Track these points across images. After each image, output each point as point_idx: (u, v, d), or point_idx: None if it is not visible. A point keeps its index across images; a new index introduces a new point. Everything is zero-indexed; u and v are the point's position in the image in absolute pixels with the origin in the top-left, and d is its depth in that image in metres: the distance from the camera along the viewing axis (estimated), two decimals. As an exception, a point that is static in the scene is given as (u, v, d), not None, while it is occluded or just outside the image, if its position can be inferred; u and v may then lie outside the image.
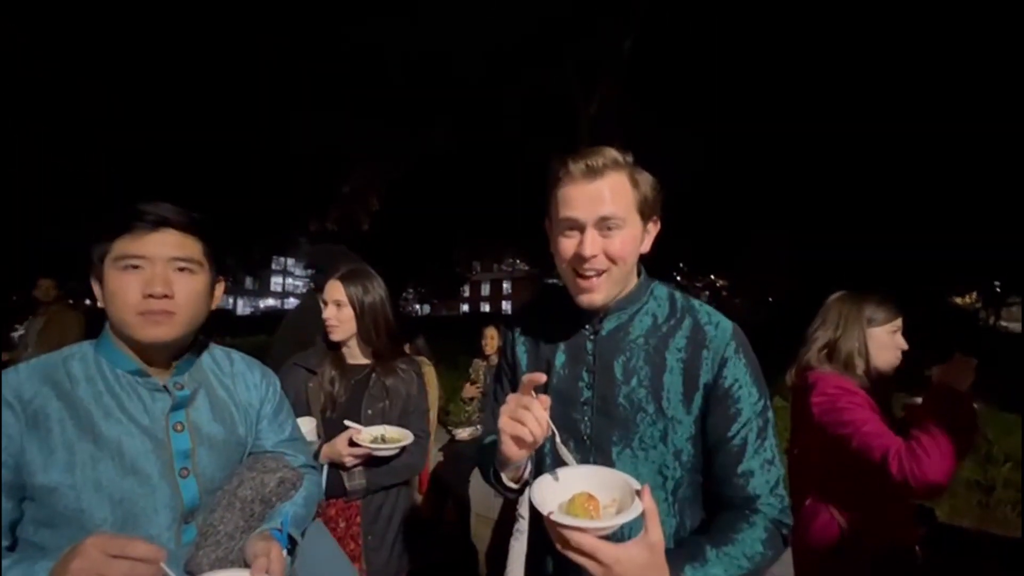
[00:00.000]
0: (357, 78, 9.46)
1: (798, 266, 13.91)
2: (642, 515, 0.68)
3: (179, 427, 0.93)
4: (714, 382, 0.89)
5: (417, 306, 42.23)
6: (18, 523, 0.82)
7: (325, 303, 1.64)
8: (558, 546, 0.67)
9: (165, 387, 0.93)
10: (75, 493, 0.81)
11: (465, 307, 47.46)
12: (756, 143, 10.42)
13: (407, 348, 4.26)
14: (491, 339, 3.78)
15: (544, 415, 0.78)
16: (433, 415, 3.98)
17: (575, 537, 0.66)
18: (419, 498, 2.09)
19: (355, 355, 1.68)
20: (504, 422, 0.80)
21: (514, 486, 0.93)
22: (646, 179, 0.93)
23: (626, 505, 0.70)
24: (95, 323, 1.01)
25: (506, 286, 45.49)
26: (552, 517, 0.66)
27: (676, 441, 0.90)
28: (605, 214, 0.87)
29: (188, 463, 0.93)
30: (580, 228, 0.89)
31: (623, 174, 0.90)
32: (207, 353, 1.05)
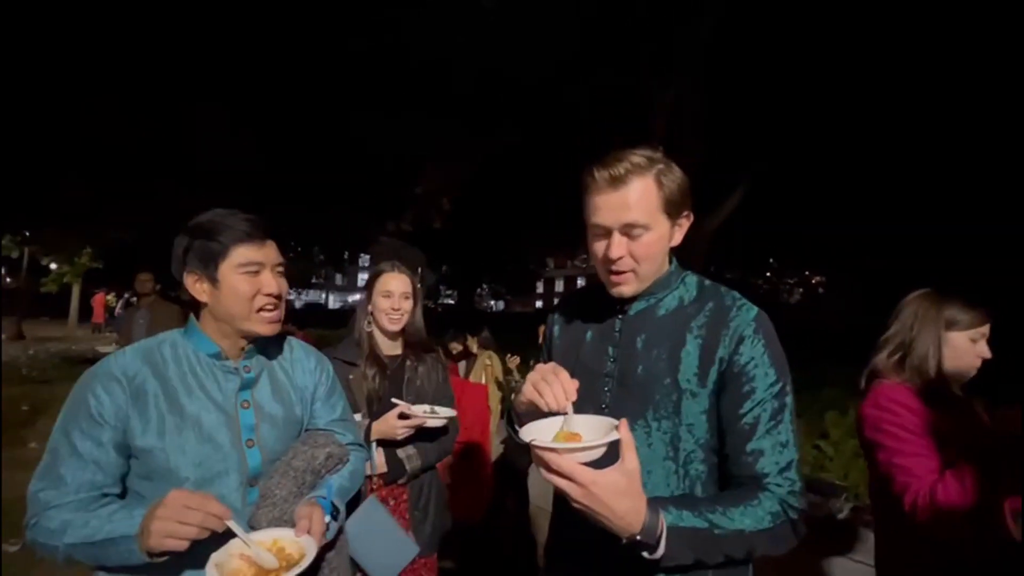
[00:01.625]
0: (430, 84, 9.84)
1: (894, 263, 12.47)
2: (619, 446, 0.73)
3: (246, 404, 1.10)
4: (730, 359, 0.92)
5: (492, 302, 43.12)
6: (126, 475, 1.02)
7: (388, 294, 1.74)
8: (542, 472, 0.73)
9: (236, 369, 1.11)
10: (165, 455, 0.99)
11: (539, 303, 47.73)
12: (852, 129, 9.47)
13: (474, 341, 4.47)
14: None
15: (562, 392, 0.84)
16: (496, 405, 4.13)
17: (554, 459, 0.71)
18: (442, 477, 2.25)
19: (388, 346, 1.80)
20: (527, 388, 0.89)
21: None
22: (673, 178, 0.95)
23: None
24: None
25: (580, 283, 45.12)
26: (534, 442, 0.73)
27: (689, 414, 0.93)
28: (628, 221, 0.93)
29: (253, 435, 1.09)
30: (607, 233, 0.95)
31: (647, 177, 0.93)
32: (272, 341, 1.21)
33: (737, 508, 0.83)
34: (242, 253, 1.06)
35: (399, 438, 1.62)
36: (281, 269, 1.13)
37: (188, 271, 1.07)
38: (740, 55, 8.61)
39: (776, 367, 0.91)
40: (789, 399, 0.92)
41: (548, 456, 0.72)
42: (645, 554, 0.77)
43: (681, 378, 0.94)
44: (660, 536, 0.76)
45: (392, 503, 1.67)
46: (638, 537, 0.75)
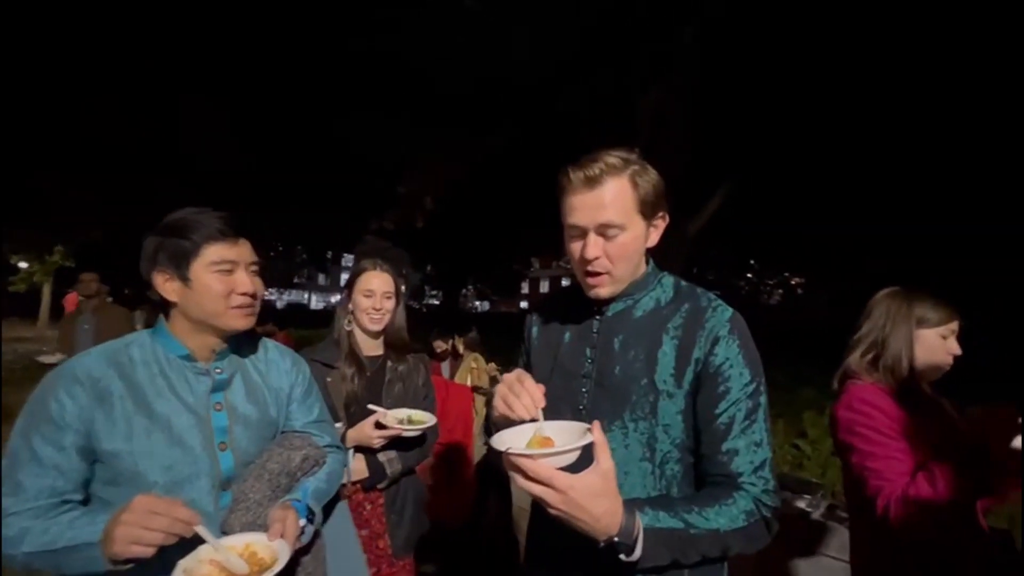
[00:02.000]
0: (416, 85, 9.78)
1: (874, 262, 12.77)
2: (592, 448, 0.73)
3: (218, 406, 1.07)
4: (705, 359, 0.93)
5: (476, 303, 43.05)
6: (91, 481, 0.99)
7: (370, 293, 1.70)
8: (518, 484, 0.72)
9: (207, 371, 1.08)
10: (132, 458, 0.96)
11: (524, 304, 47.77)
12: (840, 128, 9.65)
13: (461, 341, 4.44)
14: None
15: (530, 401, 0.84)
16: (481, 407, 4.11)
17: (531, 467, 0.70)
18: (423, 478, 2.23)
19: (369, 346, 1.77)
20: (497, 402, 0.89)
21: None
22: (648, 179, 0.96)
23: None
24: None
25: (565, 283, 45.24)
26: (509, 450, 0.71)
27: (665, 414, 0.93)
28: (603, 221, 0.93)
29: (226, 438, 1.06)
30: (583, 234, 0.96)
31: (622, 178, 0.94)
32: (246, 342, 1.18)
33: (712, 508, 0.83)
34: (215, 251, 1.03)
35: (375, 447, 1.60)
36: (256, 268, 1.11)
37: (158, 270, 1.04)
38: (724, 60, 8.73)
39: (750, 367, 0.92)
40: (763, 398, 0.93)
41: (524, 463, 0.71)
42: (622, 556, 0.77)
43: (658, 379, 0.94)
44: (637, 537, 0.76)
45: (369, 507, 1.64)
46: (615, 539, 0.74)
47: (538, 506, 1.04)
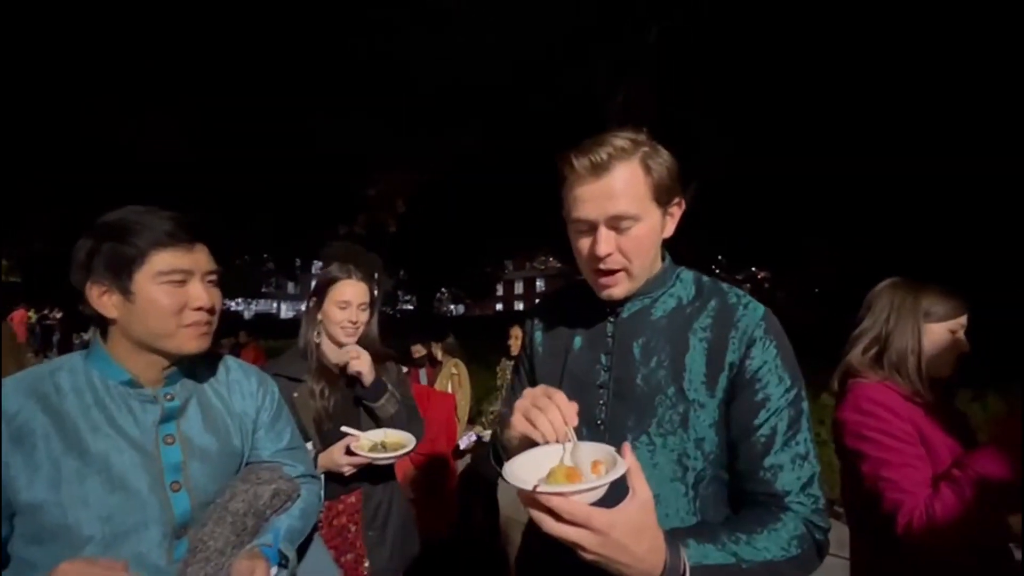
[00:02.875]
0: (385, 85, 9.59)
1: (845, 255, 13.18)
2: (625, 474, 0.62)
3: (170, 439, 0.91)
4: (740, 364, 0.82)
5: (452, 306, 42.72)
6: (8, 539, 0.82)
7: (345, 305, 1.57)
8: (546, 527, 0.59)
9: (155, 398, 0.92)
10: (61, 510, 0.79)
11: (499, 306, 47.66)
12: (796, 129, 9.92)
13: (439, 348, 4.30)
14: (515, 339, 3.73)
15: (560, 418, 0.72)
16: (463, 414, 3.97)
17: (565, 507, 0.58)
18: (405, 490, 2.08)
19: (339, 355, 1.63)
20: (517, 419, 0.76)
21: None
22: (661, 161, 0.86)
23: (609, 468, 0.64)
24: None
25: (540, 284, 45.38)
26: (539, 489, 0.59)
27: (698, 427, 0.82)
28: (615, 212, 0.82)
29: (179, 476, 0.91)
30: (593, 228, 0.84)
31: (633, 162, 0.83)
32: (202, 362, 1.03)
33: (760, 535, 0.73)
34: (163, 260, 0.88)
35: (345, 474, 1.46)
36: (214, 278, 0.96)
37: (93, 281, 0.87)
38: (689, 58, 8.85)
39: (789, 371, 0.83)
40: (805, 404, 0.83)
41: (556, 504, 0.58)
42: None
43: (687, 387, 0.83)
44: None
45: (353, 529, 1.51)
46: None
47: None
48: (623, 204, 0.82)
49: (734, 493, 0.85)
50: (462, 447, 3.56)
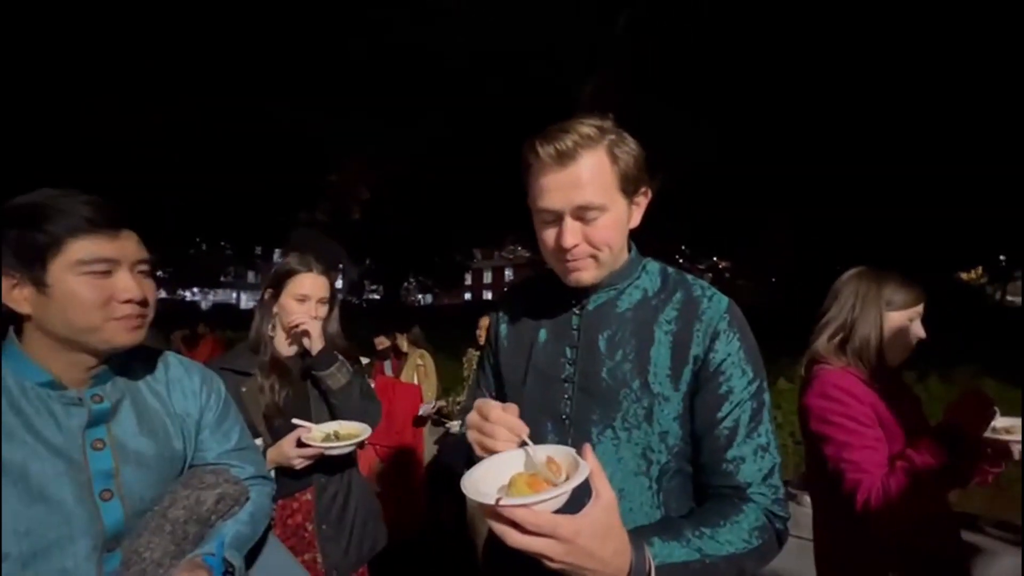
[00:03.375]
0: (349, 72, 9.28)
1: (802, 245, 13.71)
2: (588, 478, 0.61)
3: (99, 444, 0.84)
4: (704, 356, 0.82)
5: (419, 296, 42.26)
6: (-91, 559, 0.73)
7: (303, 298, 1.50)
8: (510, 541, 0.58)
9: (81, 400, 0.84)
10: None
11: (468, 295, 47.43)
12: (756, 121, 10.18)
13: (404, 339, 4.22)
14: (483, 330, 3.70)
15: (506, 432, 0.71)
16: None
17: (530, 519, 0.56)
18: (371, 484, 2.03)
19: (290, 350, 1.57)
20: (474, 437, 0.74)
21: None
22: (628, 150, 0.84)
23: (571, 471, 0.63)
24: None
25: (508, 273, 45.36)
26: (502, 503, 0.57)
27: (662, 420, 0.82)
28: (581, 203, 0.80)
29: (111, 484, 0.83)
30: (558, 218, 0.82)
31: (599, 151, 0.81)
32: (136, 359, 0.94)
33: (723, 528, 0.74)
34: (82, 247, 0.79)
35: (296, 468, 1.40)
36: (145, 268, 0.87)
37: (2, 273, 0.78)
38: (657, 48, 8.92)
39: (752, 364, 0.83)
40: (767, 396, 0.83)
41: (520, 515, 0.56)
42: None
43: (652, 380, 0.82)
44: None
45: (310, 528, 1.45)
46: None
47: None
48: (589, 194, 0.80)
49: (697, 486, 0.85)
50: (421, 413, 3.52)
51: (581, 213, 0.81)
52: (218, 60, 8.83)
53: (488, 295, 44.73)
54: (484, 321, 3.71)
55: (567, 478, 0.62)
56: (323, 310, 1.54)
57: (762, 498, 0.78)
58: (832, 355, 1.37)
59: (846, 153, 10.49)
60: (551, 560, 0.58)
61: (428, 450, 3.69)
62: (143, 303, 0.86)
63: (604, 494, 0.61)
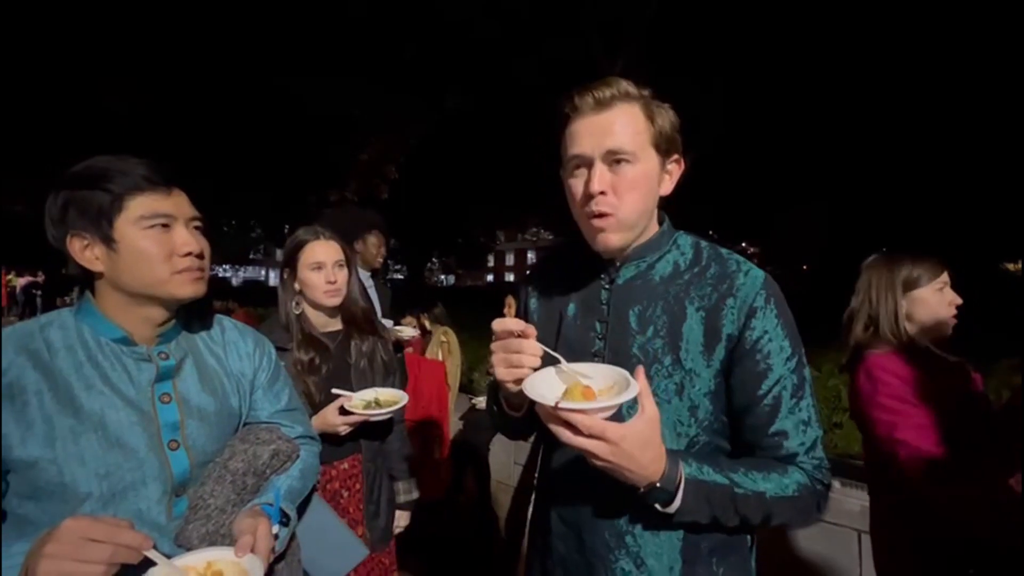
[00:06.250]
0: (372, 45, 9.25)
1: (836, 232, 13.26)
2: (637, 396, 0.69)
3: (166, 398, 0.89)
4: (740, 334, 0.81)
5: (442, 276, 42.58)
6: (5, 496, 0.80)
7: (319, 266, 1.51)
8: (564, 439, 0.67)
9: (150, 356, 0.89)
10: (56, 467, 0.78)
11: (490, 277, 47.59)
12: (787, 104, 9.80)
13: (427, 317, 4.28)
14: (510, 307, 3.72)
15: (536, 348, 0.78)
16: (454, 381, 4.00)
17: (584, 421, 0.66)
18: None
19: (325, 322, 1.59)
20: (502, 372, 0.79)
21: (517, 414, 0.92)
22: (665, 114, 0.84)
23: (621, 389, 0.71)
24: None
25: (530, 255, 45.28)
26: (560, 405, 0.67)
27: (693, 395, 0.83)
28: (612, 147, 0.80)
29: (177, 435, 0.89)
30: (588, 164, 0.82)
31: (635, 106, 0.82)
32: (197, 321, 1.00)
33: (761, 472, 0.77)
34: (143, 204, 0.84)
35: (341, 434, 1.45)
36: (199, 224, 0.92)
37: (73, 234, 0.83)
38: (685, 27, 8.63)
39: (791, 338, 0.82)
40: (807, 371, 0.83)
41: (576, 418, 0.66)
42: (658, 506, 0.73)
43: (684, 356, 0.83)
44: (679, 486, 0.73)
45: (346, 495, 1.52)
46: (657, 484, 0.71)
47: (552, 474, 0.94)
48: (621, 139, 0.80)
49: (739, 455, 0.86)
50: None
51: (611, 158, 0.80)
52: (247, 38, 8.90)
53: (510, 277, 44.80)
54: (510, 299, 3.74)
55: (618, 394, 0.70)
56: (342, 274, 1.54)
57: (805, 466, 0.80)
58: (871, 342, 1.37)
59: (883, 136, 10.04)
60: (597, 458, 0.67)
61: (453, 424, 3.78)
62: (200, 256, 0.90)
63: (649, 409, 0.69)
